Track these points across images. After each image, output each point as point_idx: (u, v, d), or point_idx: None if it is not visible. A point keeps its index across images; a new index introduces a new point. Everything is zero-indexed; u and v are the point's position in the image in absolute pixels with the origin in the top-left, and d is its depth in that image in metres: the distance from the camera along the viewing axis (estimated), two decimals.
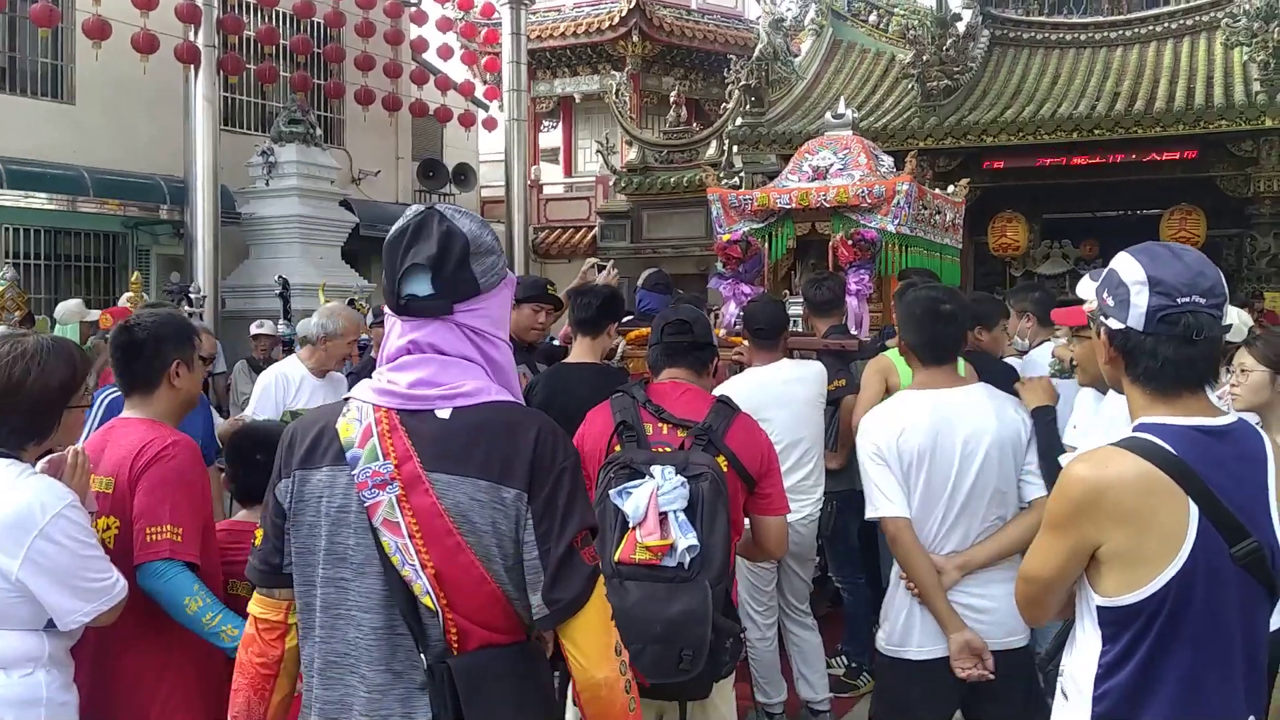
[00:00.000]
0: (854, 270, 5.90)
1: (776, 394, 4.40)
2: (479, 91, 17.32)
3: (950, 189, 7.01)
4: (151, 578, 2.62)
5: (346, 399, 1.90)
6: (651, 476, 2.79)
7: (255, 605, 1.96)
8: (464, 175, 17.19)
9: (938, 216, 6.50)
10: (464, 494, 1.76)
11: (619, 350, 5.65)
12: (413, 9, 15.95)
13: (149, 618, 2.66)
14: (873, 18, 15.85)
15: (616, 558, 2.76)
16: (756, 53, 14.50)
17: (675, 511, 2.74)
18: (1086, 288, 2.07)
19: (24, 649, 2.41)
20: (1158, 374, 1.92)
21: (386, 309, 1.98)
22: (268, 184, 13.50)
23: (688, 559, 2.73)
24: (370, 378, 1.92)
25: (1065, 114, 12.45)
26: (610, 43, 18.34)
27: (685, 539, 2.72)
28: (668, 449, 2.94)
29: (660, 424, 3.01)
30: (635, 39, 17.98)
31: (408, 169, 16.79)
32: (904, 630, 3.10)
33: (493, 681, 1.77)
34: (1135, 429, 1.95)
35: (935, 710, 3.13)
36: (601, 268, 5.64)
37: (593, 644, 1.82)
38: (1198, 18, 13.73)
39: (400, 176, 16.69)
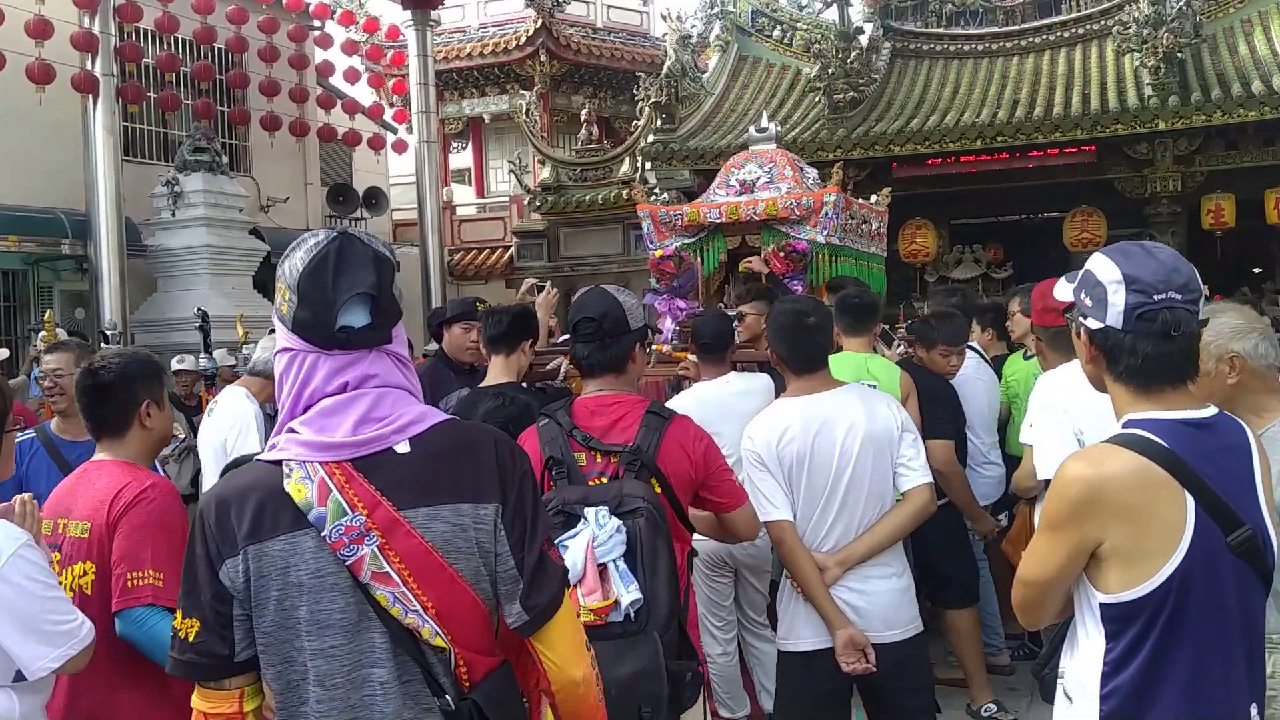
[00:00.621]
0: (787, 281, 5.97)
1: (726, 407, 4.42)
2: (387, 114, 17.16)
3: (874, 198, 7.14)
4: (133, 625, 2.58)
5: (277, 462, 1.73)
6: (585, 520, 2.63)
7: (202, 702, 1.76)
8: (375, 199, 17.00)
9: (864, 226, 6.61)
10: (446, 522, 1.73)
11: (561, 370, 5.64)
12: (317, 33, 15.73)
13: (142, 658, 2.61)
14: (776, 32, 16.12)
15: None
16: (665, 69, 14.63)
17: (615, 561, 2.59)
18: (1064, 290, 2.12)
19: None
20: (1139, 370, 1.95)
21: (291, 345, 1.77)
22: (174, 214, 13.18)
23: (633, 612, 2.59)
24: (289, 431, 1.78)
25: (968, 122, 12.81)
26: (518, 62, 18.33)
27: (628, 593, 2.58)
28: (603, 479, 2.80)
29: (591, 452, 2.84)
30: (543, 58, 17.99)
31: (317, 194, 16.54)
32: (790, 624, 3.33)
33: (510, 704, 1.80)
34: (1125, 425, 1.97)
35: (830, 697, 3.33)
36: (540, 288, 5.63)
37: (567, 644, 1.84)
38: (1089, 26, 14.25)
39: (310, 202, 16.42)
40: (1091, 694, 1.96)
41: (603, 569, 2.59)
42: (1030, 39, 14.63)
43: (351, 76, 16.53)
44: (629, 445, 2.83)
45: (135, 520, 2.63)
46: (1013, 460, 5.41)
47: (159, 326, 12.72)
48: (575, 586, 2.53)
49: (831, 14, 15.09)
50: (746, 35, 16.25)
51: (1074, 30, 14.42)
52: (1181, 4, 12.30)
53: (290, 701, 1.73)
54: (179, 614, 1.74)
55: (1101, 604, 1.94)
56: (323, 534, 1.68)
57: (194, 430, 6.85)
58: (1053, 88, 13.32)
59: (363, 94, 17.22)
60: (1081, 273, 2.06)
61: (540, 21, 17.57)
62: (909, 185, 12.61)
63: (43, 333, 7.72)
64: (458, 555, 1.73)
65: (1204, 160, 12.76)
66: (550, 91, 18.45)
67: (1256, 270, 13.99)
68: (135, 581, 2.58)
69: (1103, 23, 14.04)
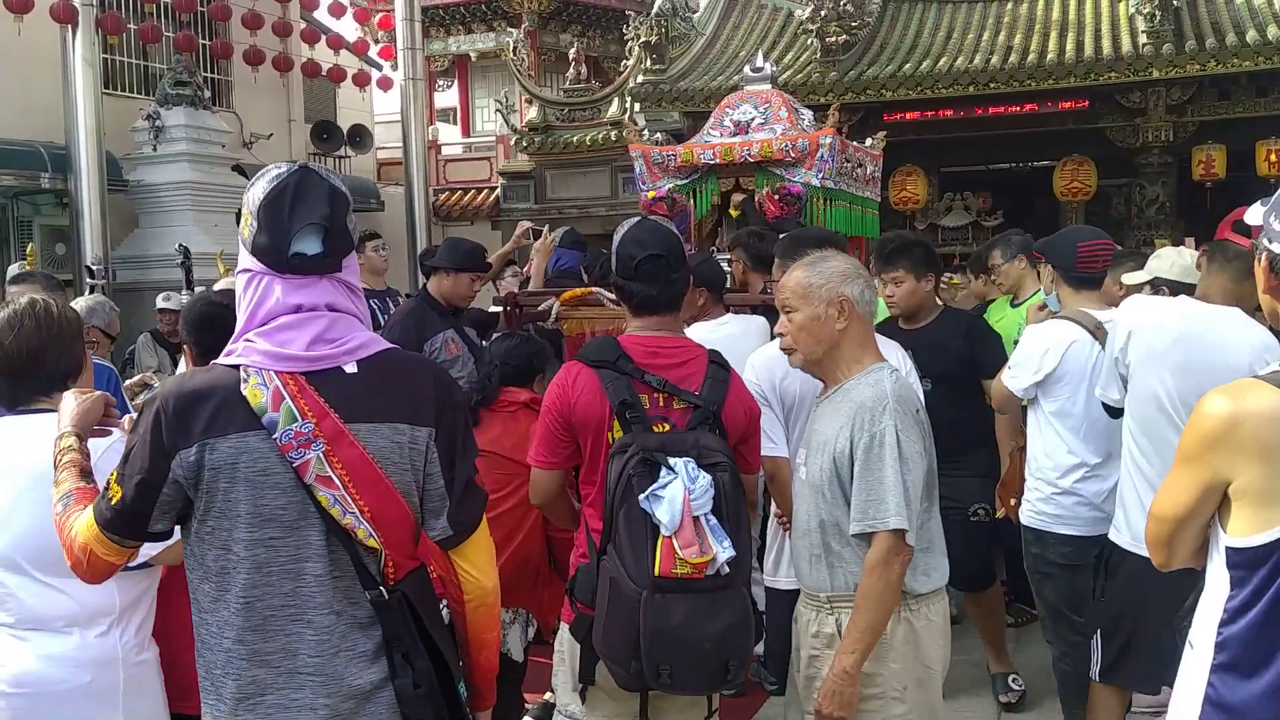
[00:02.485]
0: (781, 225, 5.92)
1: (722, 350, 4.40)
2: (373, 51, 16.89)
3: (869, 142, 7.08)
4: None
5: (234, 366, 1.90)
6: (673, 471, 2.56)
7: (99, 546, 1.93)
8: (359, 137, 16.79)
9: (859, 170, 6.56)
10: (384, 439, 1.93)
11: (554, 311, 5.59)
12: None
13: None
14: None
15: (656, 571, 2.53)
16: (655, 9, 14.46)
17: (705, 515, 2.55)
18: (1255, 213, 2.00)
19: (96, 603, 2.38)
20: None
21: (251, 267, 1.95)
22: (155, 149, 12.99)
23: (726, 569, 2.57)
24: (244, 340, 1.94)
25: (961, 68, 12.70)
26: None
27: (723, 549, 2.54)
28: (667, 425, 2.70)
29: (656, 395, 2.72)
30: None
31: (301, 131, 16.31)
32: (779, 561, 3.54)
33: (427, 595, 2.02)
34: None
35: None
36: (537, 232, 5.56)
37: (484, 558, 2.09)
38: None
39: (294, 139, 16.19)
40: (1209, 642, 1.87)
41: (696, 522, 2.55)
42: None
43: (337, 11, 16.24)
44: (699, 395, 2.73)
45: None
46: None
47: (140, 263, 12.58)
48: (671, 537, 2.52)
49: None
50: None
51: None
52: None
53: (222, 585, 1.89)
54: (112, 477, 1.93)
55: (1227, 547, 1.83)
56: (274, 436, 1.85)
57: (176, 368, 6.80)
58: (1046, 34, 13.19)
59: (348, 29, 16.95)
60: (1276, 194, 1.92)
61: None
62: (900, 131, 12.50)
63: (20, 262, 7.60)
64: (392, 468, 1.93)
65: (1196, 110, 12.71)
66: (538, 30, 18.18)
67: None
68: None
69: None
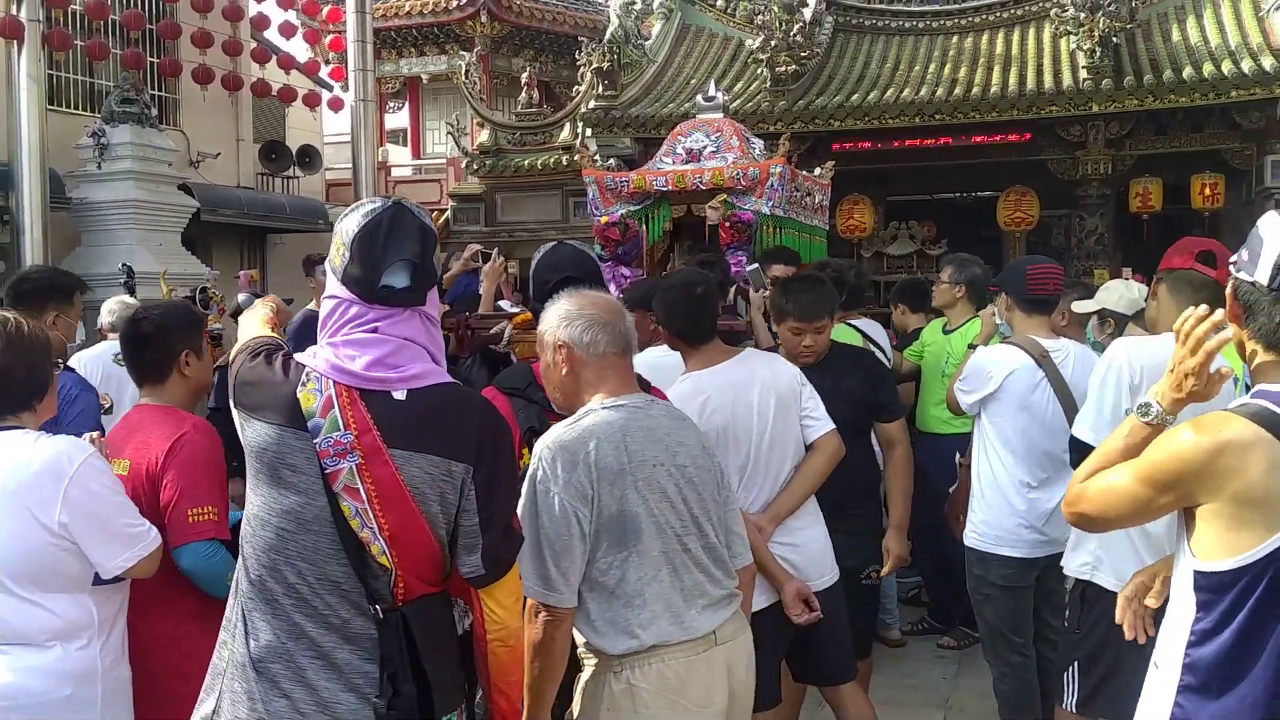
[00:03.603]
0: (732, 252, 6.01)
1: (671, 374, 4.45)
2: (324, 72, 16.81)
3: (817, 171, 7.19)
4: (199, 559, 2.73)
5: (302, 366, 2.03)
6: None
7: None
8: (308, 157, 16.69)
9: (808, 199, 6.67)
10: (418, 468, 1.98)
11: (505, 335, 5.60)
12: None
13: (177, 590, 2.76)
14: (720, 2, 16.07)
15: None
16: (608, 35, 14.54)
17: None
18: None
19: (76, 617, 2.45)
20: (1273, 333, 1.86)
21: (339, 294, 2.07)
22: (100, 167, 12.77)
23: None
24: (318, 346, 2.07)
25: (907, 99, 12.92)
26: (458, 23, 18.05)
27: None
28: None
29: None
30: (484, 19, 17.75)
31: (249, 151, 16.18)
32: None
33: (435, 625, 2.06)
34: (1253, 395, 1.88)
35: (775, 655, 3.38)
36: (485, 255, 5.59)
37: (511, 599, 2.13)
38: (1028, 7, 14.42)
39: (241, 159, 16.06)
40: (1176, 662, 1.90)
41: None
42: (970, 18, 14.77)
43: (287, 31, 16.15)
44: None
45: (184, 459, 2.77)
46: (923, 438, 5.50)
47: None
48: None
49: None
50: (690, 4, 16.17)
51: (1013, 11, 14.58)
52: None
53: (253, 558, 2.04)
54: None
55: (1195, 571, 1.87)
56: (315, 440, 1.95)
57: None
58: (990, 67, 13.48)
59: (298, 49, 16.87)
60: (1250, 233, 1.99)
61: None
62: (847, 160, 12.68)
63: None
64: (420, 497, 1.99)
65: (1134, 144, 13.04)
66: (490, 53, 18.22)
67: None
68: (197, 517, 2.75)
69: (1041, 5, 14.20)
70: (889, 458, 4.04)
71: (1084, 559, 3.43)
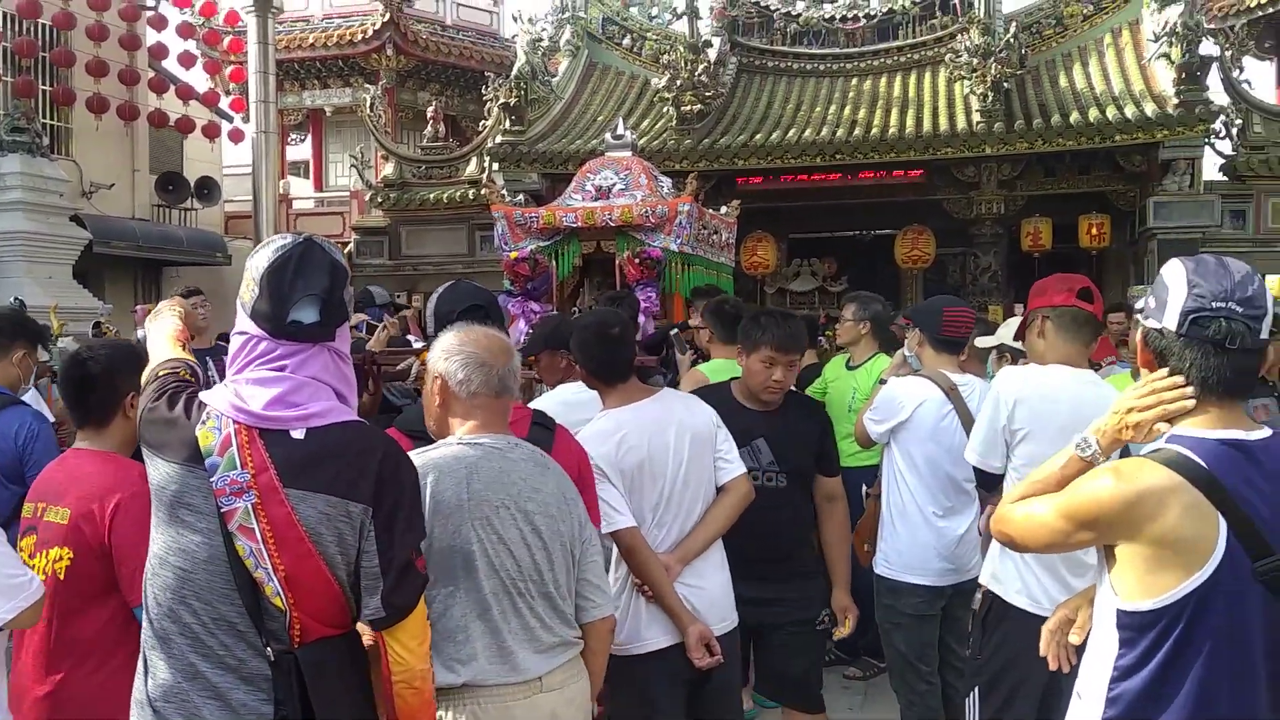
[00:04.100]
0: (641, 288, 6.06)
1: (586, 411, 4.46)
2: (224, 102, 16.54)
3: (723, 209, 7.31)
4: None
5: (204, 405, 2.01)
6: None
7: None
8: (207, 189, 16.33)
9: (715, 236, 6.78)
10: (314, 508, 1.96)
11: (413, 371, 5.56)
12: (150, 13, 15.03)
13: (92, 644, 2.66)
14: (626, 41, 16.28)
15: None
16: (515, 71, 14.59)
17: None
18: (1142, 303, 2.12)
19: None
20: (1185, 379, 1.90)
21: (248, 330, 2.06)
22: None
23: None
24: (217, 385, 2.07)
25: (809, 139, 13.22)
26: (363, 55, 17.93)
27: None
28: None
29: None
30: (389, 53, 17.65)
31: (145, 182, 15.79)
32: (635, 627, 3.32)
33: (332, 668, 2.01)
34: (1168, 440, 1.92)
35: (672, 695, 3.35)
36: (398, 306, 5.55)
37: (417, 640, 2.07)
38: (924, 52, 14.91)
39: (137, 190, 15.67)
40: (1100, 695, 1.94)
41: None
42: (869, 61, 15.20)
43: (187, 61, 15.87)
44: None
45: (134, 516, 2.59)
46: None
47: None
48: None
49: (681, 26, 15.36)
50: (597, 42, 16.36)
51: (910, 56, 15.06)
52: (1009, 36, 13.03)
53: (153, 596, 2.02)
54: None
55: (1118, 610, 1.91)
56: (211, 479, 1.93)
57: None
58: (889, 110, 13.87)
59: (198, 80, 16.56)
60: (1155, 281, 2.04)
61: (388, 15, 17.24)
62: (751, 199, 12.92)
63: None
64: (318, 537, 1.96)
65: (1025, 185, 13.53)
66: (396, 87, 18.12)
67: None
68: None
69: (936, 50, 14.71)
70: (830, 512, 3.86)
71: (991, 569, 3.52)
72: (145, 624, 2.01)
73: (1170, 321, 1.92)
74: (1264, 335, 1.90)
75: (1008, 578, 3.44)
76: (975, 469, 3.53)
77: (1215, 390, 1.90)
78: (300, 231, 2.16)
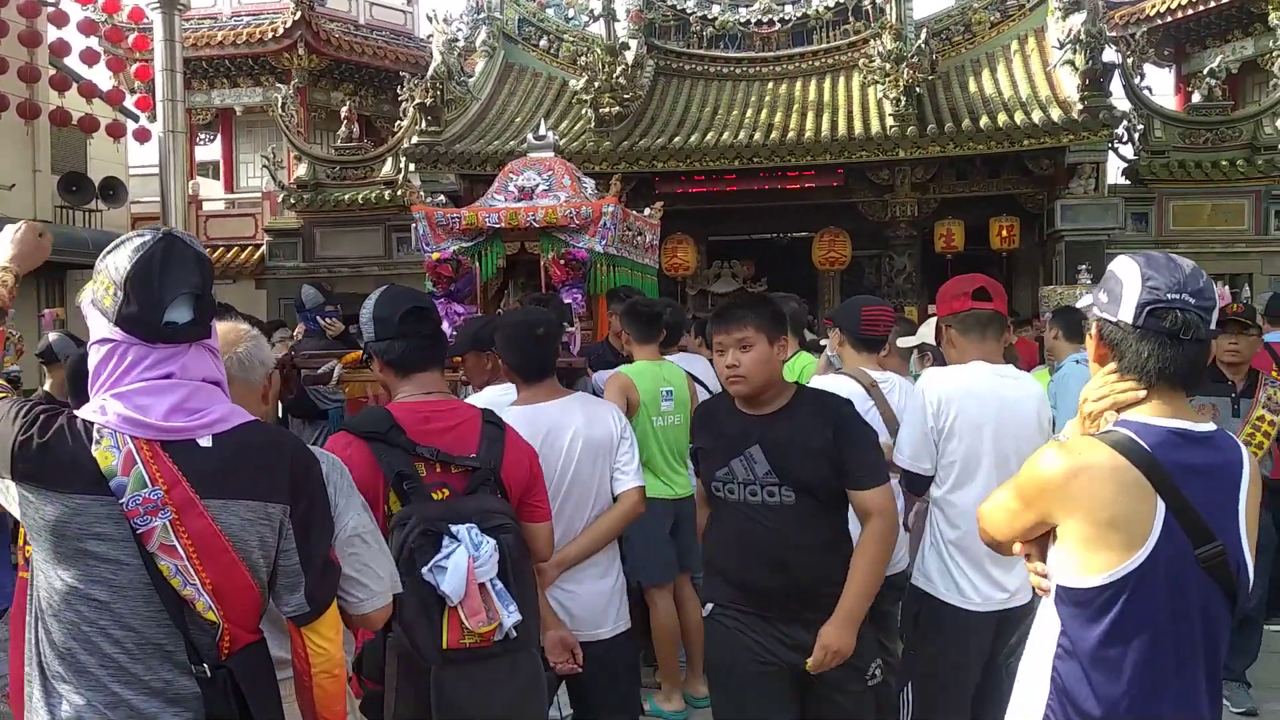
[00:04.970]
0: (566, 290, 6.04)
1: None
2: (129, 101, 16.07)
3: (647, 211, 7.32)
4: None
5: (90, 423, 1.86)
6: (455, 539, 2.54)
7: None
8: (112, 190, 15.85)
9: (639, 238, 6.78)
10: (236, 516, 1.89)
11: (335, 375, 5.47)
12: (51, 9, 14.53)
13: None
14: (543, 42, 16.24)
15: (445, 644, 2.53)
16: (431, 71, 14.44)
17: (491, 581, 2.56)
18: (1085, 299, 2.17)
19: None
20: (1140, 368, 1.95)
21: (114, 337, 1.90)
22: None
23: (513, 631, 2.59)
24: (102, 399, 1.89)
25: (727, 142, 13.32)
26: (273, 54, 17.57)
27: (509, 614, 2.56)
28: (446, 490, 2.65)
29: (432, 464, 2.68)
30: (301, 52, 17.33)
31: (47, 183, 15.27)
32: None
33: (260, 674, 1.97)
34: (1116, 424, 1.97)
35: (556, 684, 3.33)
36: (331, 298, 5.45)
37: (335, 630, 2.06)
38: (838, 57, 15.13)
39: (39, 191, 15.15)
40: (1044, 671, 2.01)
41: (483, 589, 2.54)
42: (785, 65, 15.37)
43: (89, 58, 15.39)
44: (476, 458, 2.71)
45: None
46: None
47: None
48: (455, 608, 2.51)
49: (598, 28, 15.36)
50: (513, 43, 16.29)
51: (824, 60, 15.26)
52: (920, 42, 13.28)
53: (47, 626, 1.87)
54: None
55: (1059, 586, 1.97)
56: (121, 501, 1.81)
57: None
58: (805, 113, 14.04)
59: (102, 78, 16.09)
60: (1106, 274, 2.08)
61: (299, 14, 16.92)
62: (670, 201, 12.94)
63: None
64: (241, 545, 1.90)
65: (938, 188, 13.82)
66: (308, 86, 17.80)
67: None
68: None
69: (850, 55, 14.94)
70: (865, 526, 3.07)
71: (921, 567, 3.58)
72: (49, 659, 1.87)
73: (1126, 314, 1.96)
74: (1213, 327, 1.97)
75: (937, 575, 3.50)
76: (905, 471, 3.56)
77: (1170, 380, 1.95)
78: (158, 227, 2.00)
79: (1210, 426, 1.99)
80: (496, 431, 2.82)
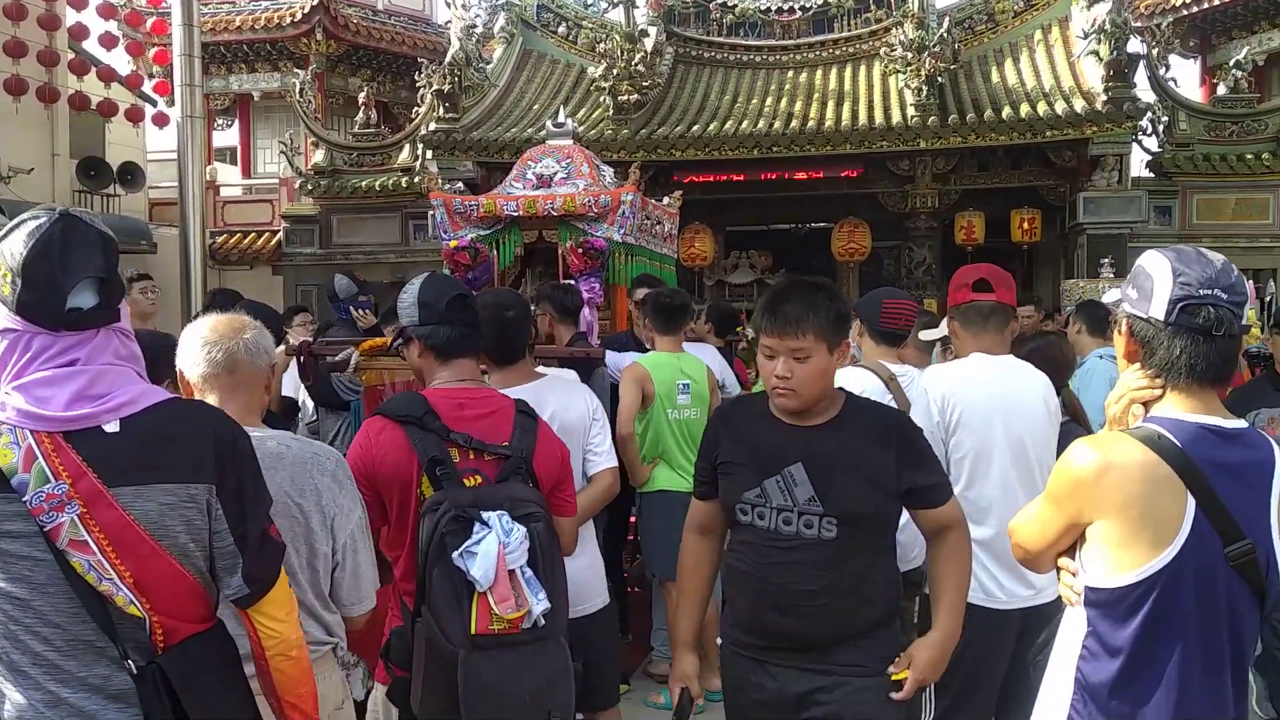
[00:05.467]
0: (584, 279, 5.99)
1: (529, 401, 4.40)
2: (147, 85, 16.06)
3: (665, 200, 7.25)
4: None
5: None
6: (486, 525, 2.51)
7: None
8: (130, 175, 15.85)
9: (658, 227, 6.71)
10: (153, 502, 1.81)
11: (352, 361, 5.42)
12: None
13: None
14: (562, 29, 16.15)
15: (474, 629, 2.49)
16: (449, 58, 14.37)
17: (521, 568, 2.53)
18: (1111, 294, 2.14)
19: None
20: (1173, 365, 1.92)
21: (14, 326, 1.81)
22: None
23: (542, 619, 2.56)
24: None
25: (746, 131, 13.22)
26: (291, 40, 17.54)
27: (538, 602, 2.54)
28: (479, 478, 2.64)
29: (465, 450, 2.68)
30: (319, 37, 17.28)
31: (66, 167, 15.27)
32: None
33: (203, 668, 1.88)
34: (1147, 420, 1.95)
35: None
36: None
37: (285, 610, 2.01)
38: (859, 46, 14.99)
39: (57, 175, 15.15)
40: (1069, 673, 1.98)
41: (512, 575, 2.52)
42: (805, 54, 15.25)
43: (108, 42, 15.38)
44: (508, 447, 2.71)
45: None
46: None
47: None
48: (487, 593, 2.48)
49: (617, 14, 15.26)
50: (532, 29, 16.20)
51: (845, 49, 15.12)
52: (943, 31, 13.14)
53: None
54: None
55: (1086, 587, 1.95)
56: (24, 499, 1.73)
57: None
58: (825, 103, 13.93)
59: (120, 62, 16.07)
60: (1133, 269, 2.05)
61: None
62: (689, 190, 12.87)
63: None
64: (163, 532, 1.82)
65: (958, 179, 13.68)
66: (326, 72, 17.75)
67: None
68: None
69: (871, 44, 14.80)
70: (941, 541, 2.74)
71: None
72: None
73: (1158, 310, 1.93)
74: (1244, 322, 1.93)
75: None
76: None
77: (1202, 376, 1.93)
78: (54, 206, 1.90)
79: (1241, 423, 1.96)
80: (530, 422, 2.82)
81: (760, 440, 2.68)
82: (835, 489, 2.57)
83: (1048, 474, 2.09)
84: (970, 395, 3.46)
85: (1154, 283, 1.95)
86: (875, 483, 2.59)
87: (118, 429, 1.81)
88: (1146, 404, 1.99)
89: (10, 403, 1.78)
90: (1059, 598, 2.09)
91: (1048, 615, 3.24)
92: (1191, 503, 1.85)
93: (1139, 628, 1.87)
